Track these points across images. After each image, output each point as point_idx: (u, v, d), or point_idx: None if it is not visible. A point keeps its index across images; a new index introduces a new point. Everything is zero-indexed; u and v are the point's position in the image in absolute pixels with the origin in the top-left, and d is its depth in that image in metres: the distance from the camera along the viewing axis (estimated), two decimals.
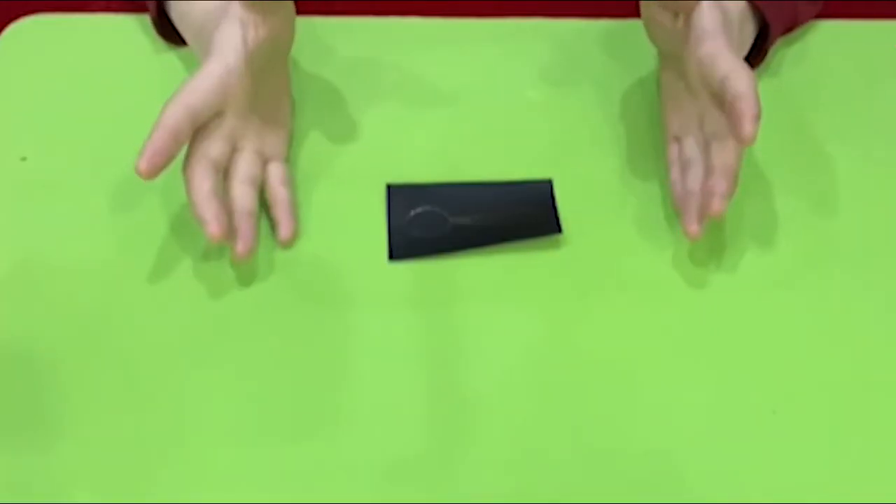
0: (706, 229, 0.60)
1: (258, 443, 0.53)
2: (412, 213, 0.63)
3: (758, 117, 0.54)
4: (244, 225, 0.59)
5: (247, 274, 0.60)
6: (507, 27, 0.75)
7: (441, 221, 0.62)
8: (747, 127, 0.54)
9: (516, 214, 0.62)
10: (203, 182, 0.57)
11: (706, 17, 0.60)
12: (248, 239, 0.59)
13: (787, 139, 0.68)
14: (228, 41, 0.59)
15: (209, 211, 0.56)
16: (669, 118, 0.65)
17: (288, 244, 0.60)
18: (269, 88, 0.63)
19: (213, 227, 0.56)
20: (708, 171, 0.60)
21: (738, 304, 0.59)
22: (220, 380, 0.56)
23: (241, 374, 0.56)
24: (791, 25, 0.73)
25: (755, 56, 0.70)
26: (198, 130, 0.58)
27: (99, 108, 0.69)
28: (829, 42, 0.74)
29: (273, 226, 0.61)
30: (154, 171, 0.55)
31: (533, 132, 0.68)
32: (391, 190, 0.64)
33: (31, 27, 0.75)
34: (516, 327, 0.58)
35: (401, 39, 0.74)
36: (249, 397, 0.55)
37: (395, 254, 0.61)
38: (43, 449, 0.53)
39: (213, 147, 0.59)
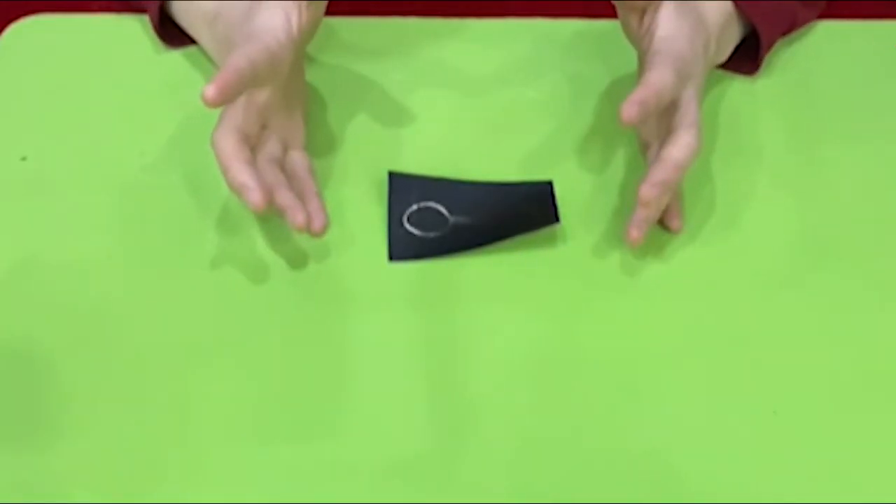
0: (709, 229, 0.60)
1: (258, 443, 0.53)
2: (413, 207, 0.63)
3: (638, 102, 0.55)
4: (292, 201, 0.59)
5: (248, 273, 0.60)
6: (507, 27, 0.75)
7: (441, 220, 0.62)
8: (625, 106, 0.54)
9: (516, 214, 0.62)
10: (239, 152, 0.57)
11: (666, 23, 0.60)
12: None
13: (786, 139, 0.68)
14: (275, 23, 0.59)
15: (252, 178, 0.56)
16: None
17: (320, 235, 0.60)
18: (293, 78, 0.63)
19: (257, 194, 0.55)
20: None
21: (738, 304, 0.59)
22: (221, 379, 0.55)
23: (242, 374, 0.56)
24: (788, 29, 0.73)
25: (750, 62, 0.70)
26: (247, 100, 0.58)
27: (99, 108, 0.69)
28: (829, 42, 0.74)
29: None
30: (220, 100, 0.54)
31: (533, 132, 0.68)
32: (392, 178, 0.64)
33: (31, 27, 0.75)
34: (516, 327, 0.58)
35: (401, 39, 0.74)
36: (249, 397, 0.55)
37: (394, 255, 0.61)
38: (43, 449, 0.53)
39: (247, 122, 0.59)
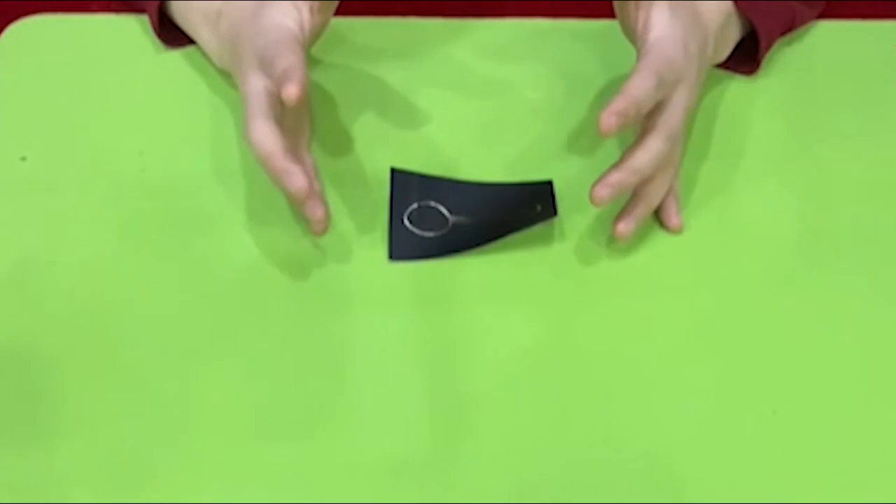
0: (709, 229, 0.60)
1: (258, 443, 0.53)
2: (413, 206, 0.63)
3: (617, 113, 0.54)
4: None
5: (248, 273, 0.60)
6: (507, 27, 0.75)
7: (441, 220, 0.62)
8: (604, 117, 0.54)
9: (516, 213, 0.62)
10: (280, 139, 0.56)
11: (659, 23, 0.60)
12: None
13: (786, 139, 0.68)
14: (287, 21, 0.60)
15: (294, 163, 0.55)
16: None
17: (321, 234, 0.59)
18: None
19: (301, 178, 0.55)
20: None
21: (738, 304, 0.59)
22: (220, 379, 0.55)
23: (241, 373, 0.56)
24: (788, 28, 0.73)
25: (750, 61, 0.70)
26: (266, 90, 0.58)
27: (99, 108, 0.69)
28: (829, 42, 0.74)
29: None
30: (302, 95, 0.55)
31: (532, 132, 0.68)
32: (394, 175, 0.64)
33: (31, 27, 0.75)
34: (516, 327, 0.58)
35: (400, 40, 0.74)
36: (249, 397, 0.55)
37: (394, 254, 0.61)
38: (43, 449, 0.53)
39: (276, 111, 0.58)
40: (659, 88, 0.57)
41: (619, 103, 0.55)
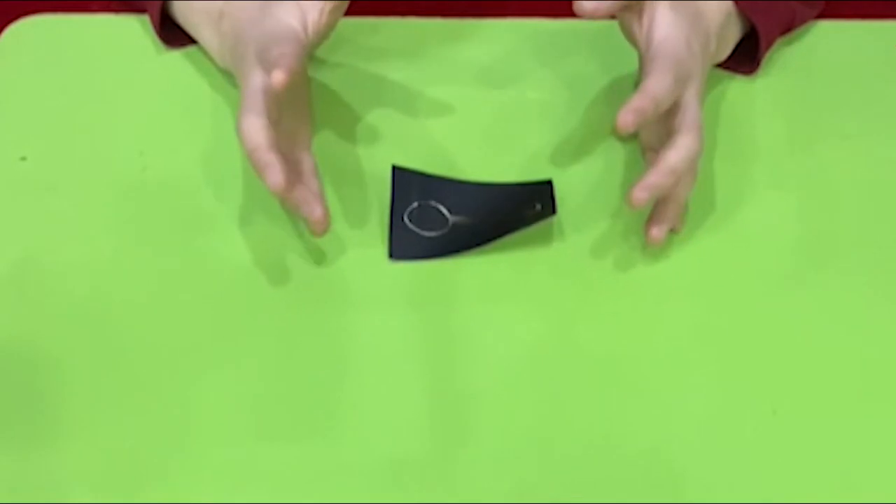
0: (708, 229, 0.60)
1: (258, 443, 0.53)
2: (414, 205, 0.63)
3: (635, 110, 0.54)
4: (307, 194, 0.59)
5: (248, 273, 0.60)
6: (507, 27, 0.75)
7: (441, 220, 0.62)
8: (622, 114, 0.54)
9: (516, 214, 0.62)
10: (268, 134, 0.56)
11: (664, 23, 0.60)
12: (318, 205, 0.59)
13: (786, 138, 0.68)
14: (292, 21, 0.60)
15: (278, 160, 0.55)
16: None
17: (321, 235, 0.59)
18: (301, 79, 0.63)
19: (279, 175, 0.54)
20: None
21: (737, 304, 0.59)
22: (220, 380, 0.56)
23: (242, 374, 0.56)
24: (788, 28, 0.73)
25: (750, 61, 0.70)
26: (264, 87, 0.58)
27: (99, 108, 0.69)
28: (829, 42, 0.74)
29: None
30: (287, 83, 0.55)
31: (533, 132, 0.68)
32: (396, 173, 0.64)
33: (31, 27, 0.75)
34: (516, 327, 0.58)
35: (400, 40, 0.74)
36: (249, 397, 0.55)
37: (394, 253, 0.61)
38: (43, 449, 0.53)
39: (269, 109, 0.58)
40: (675, 86, 0.57)
41: (638, 101, 0.55)
